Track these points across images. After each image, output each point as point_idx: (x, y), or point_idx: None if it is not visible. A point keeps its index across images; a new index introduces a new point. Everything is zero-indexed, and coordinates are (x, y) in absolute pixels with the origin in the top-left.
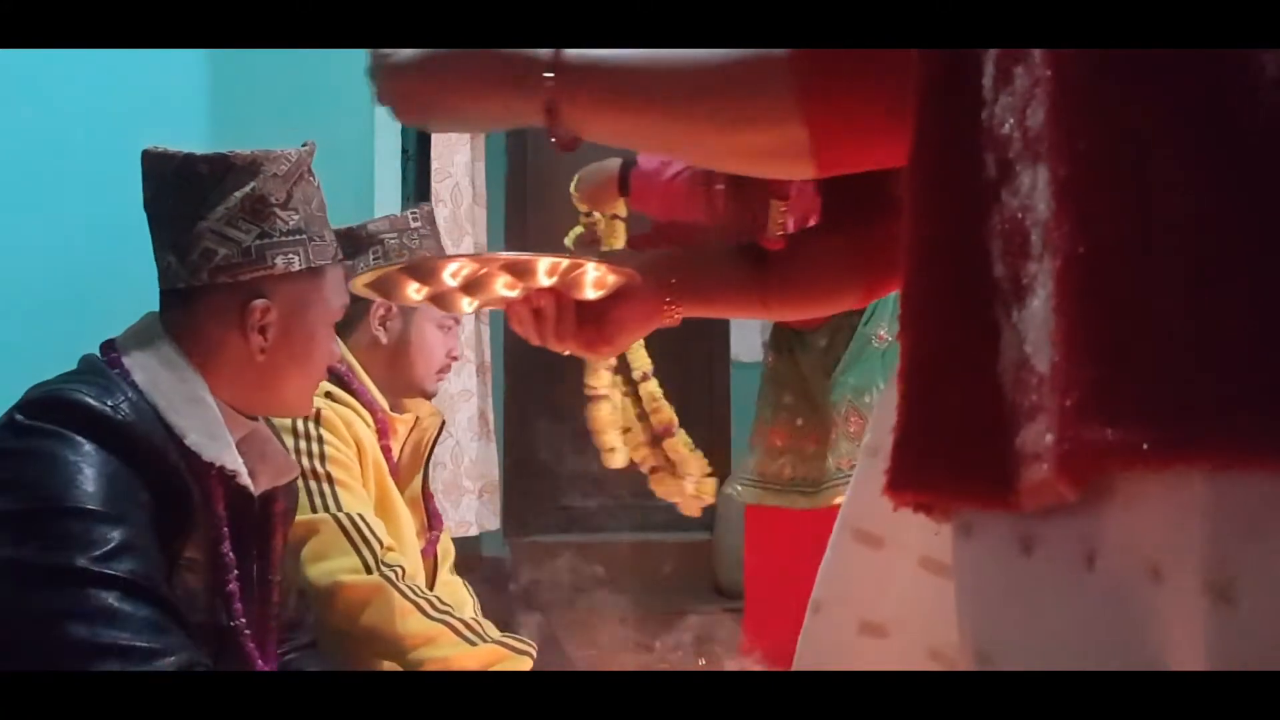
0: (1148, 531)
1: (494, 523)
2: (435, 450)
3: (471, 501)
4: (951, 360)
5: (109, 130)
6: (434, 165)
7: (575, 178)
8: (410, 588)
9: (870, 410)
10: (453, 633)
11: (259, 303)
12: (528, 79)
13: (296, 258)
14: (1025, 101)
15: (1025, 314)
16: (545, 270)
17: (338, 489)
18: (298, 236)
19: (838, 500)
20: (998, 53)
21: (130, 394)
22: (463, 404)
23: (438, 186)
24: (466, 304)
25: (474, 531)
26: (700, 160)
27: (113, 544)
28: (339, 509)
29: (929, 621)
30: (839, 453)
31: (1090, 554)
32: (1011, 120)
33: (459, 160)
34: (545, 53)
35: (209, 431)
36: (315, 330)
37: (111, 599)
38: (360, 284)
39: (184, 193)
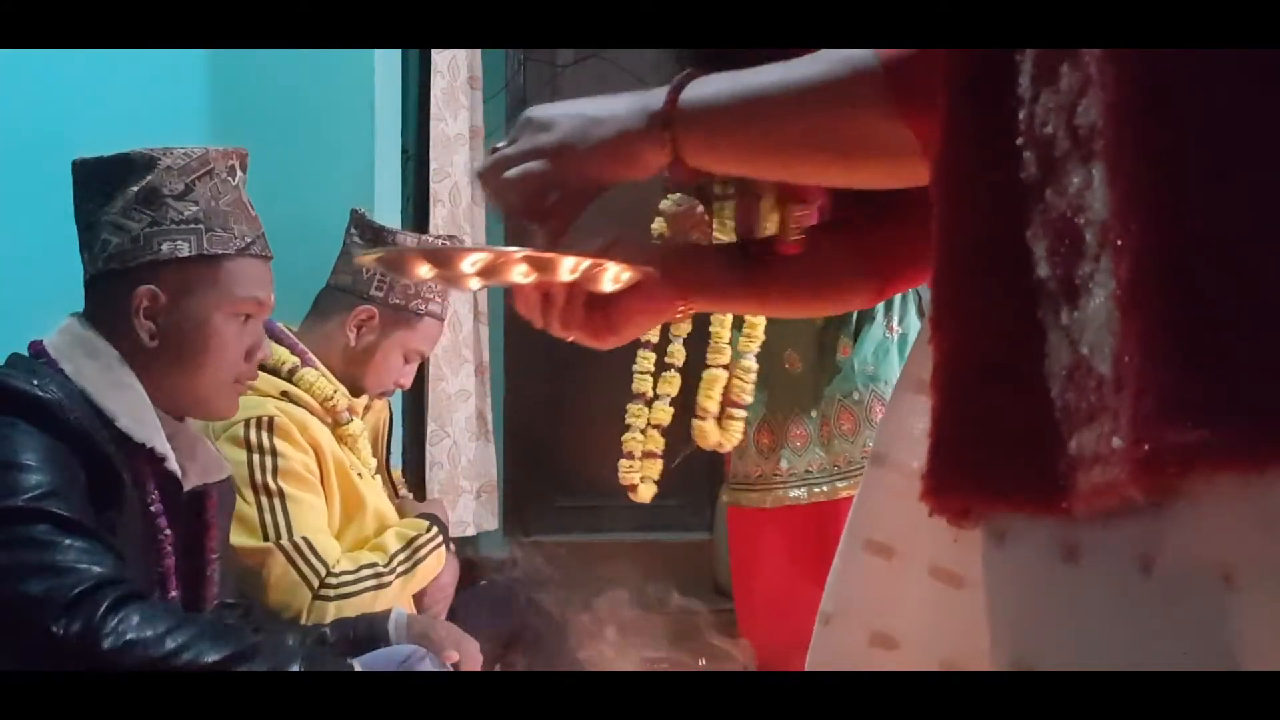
0: (1219, 535)
1: (492, 523)
2: (430, 450)
3: (469, 502)
4: (992, 363)
5: (109, 131)
6: (433, 166)
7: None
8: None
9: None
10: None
11: (143, 289)
12: (649, 135)
13: (186, 245)
14: (1074, 100)
15: (1079, 315)
16: (568, 269)
17: (289, 505)
18: (193, 226)
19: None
20: (1036, 51)
21: (58, 378)
22: (460, 404)
23: (436, 187)
24: (474, 284)
25: (470, 532)
26: (822, 182)
27: (44, 488)
28: (289, 531)
29: (941, 632)
30: (861, 442)
31: (1146, 559)
32: (1056, 119)
33: (458, 161)
34: (659, 105)
35: (137, 415)
36: (209, 319)
37: (43, 529)
38: (371, 258)
39: (91, 190)
